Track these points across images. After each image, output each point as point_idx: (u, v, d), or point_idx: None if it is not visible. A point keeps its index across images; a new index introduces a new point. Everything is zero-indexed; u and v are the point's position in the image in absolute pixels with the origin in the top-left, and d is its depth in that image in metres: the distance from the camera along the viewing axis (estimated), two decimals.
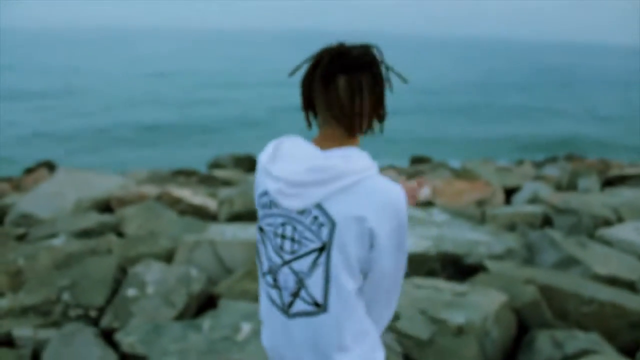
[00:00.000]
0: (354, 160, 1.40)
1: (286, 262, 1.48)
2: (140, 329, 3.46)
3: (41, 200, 5.64)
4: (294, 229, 1.45)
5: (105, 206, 5.91)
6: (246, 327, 3.44)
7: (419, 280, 4.03)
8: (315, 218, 1.41)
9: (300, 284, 1.47)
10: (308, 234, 1.43)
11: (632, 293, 4.14)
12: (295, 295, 1.48)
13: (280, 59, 59.50)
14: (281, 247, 1.49)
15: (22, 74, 39.01)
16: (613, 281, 4.27)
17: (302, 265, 1.46)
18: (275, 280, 1.52)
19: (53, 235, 4.79)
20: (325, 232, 1.41)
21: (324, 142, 1.46)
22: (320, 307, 1.46)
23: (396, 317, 3.60)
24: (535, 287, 3.94)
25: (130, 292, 3.85)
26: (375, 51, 1.43)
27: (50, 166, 8.80)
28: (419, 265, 4.43)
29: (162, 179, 7.37)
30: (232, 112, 27.32)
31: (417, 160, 11.26)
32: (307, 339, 1.50)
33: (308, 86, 1.44)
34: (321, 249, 1.43)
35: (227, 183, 7.86)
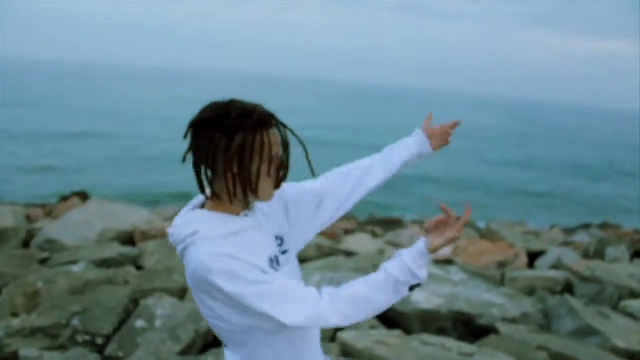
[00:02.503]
0: (180, 227, 1.39)
1: None
2: None
3: (69, 227, 5.82)
4: None
5: (128, 239, 6.05)
6: None
7: (427, 338, 3.96)
8: None
9: None
10: None
11: None
12: None
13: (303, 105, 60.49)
14: None
15: (42, 112, 38.78)
16: (633, 356, 4.10)
17: None
18: None
19: (74, 262, 4.91)
20: None
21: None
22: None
23: None
24: (547, 355, 3.82)
25: (139, 323, 3.90)
26: (235, 113, 1.34)
27: (83, 196, 9.10)
28: (429, 323, 4.36)
29: None
30: None
31: None
32: None
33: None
34: None
35: None
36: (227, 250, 1.32)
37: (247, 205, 1.46)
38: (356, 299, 1.39)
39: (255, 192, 1.39)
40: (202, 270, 1.31)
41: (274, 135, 1.39)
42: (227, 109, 1.35)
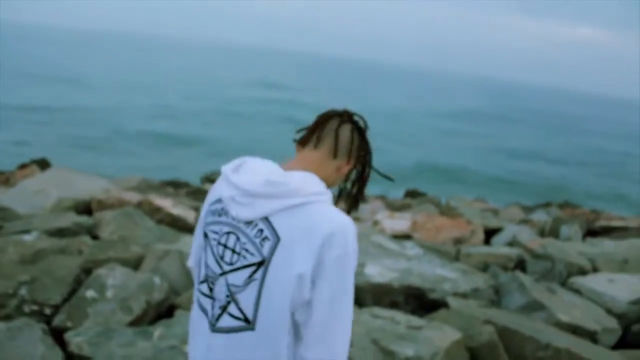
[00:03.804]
0: (309, 183, 1.44)
1: (223, 273, 1.48)
2: (91, 330, 3.47)
3: (23, 196, 5.70)
4: (237, 239, 1.46)
5: (85, 208, 5.95)
6: None
7: (377, 311, 4.02)
8: (261, 231, 1.43)
9: (231, 297, 1.46)
10: (250, 247, 1.44)
11: (593, 343, 4.11)
12: (224, 309, 1.48)
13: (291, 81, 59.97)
14: (222, 257, 1.49)
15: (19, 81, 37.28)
16: (575, 330, 4.25)
17: (238, 278, 1.45)
18: (211, 290, 1.52)
19: (26, 231, 4.82)
20: (267, 247, 1.42)
21: (294, 164, 1.55)
22: (248, 324, 1.44)
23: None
24: (493, 328, 3.92)
25: (89, 293, 3.87)
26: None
27: (43, 164, 8.88)
28: (381, 296, 4.42)
29: (150, 188, 7.42)
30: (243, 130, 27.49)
31: (410, 194, 11.29)
32: (223, 358, 1.48)
33: (323, 123, 1.62)
34: (260, 264, 1.43)
35: None
36: None
37: None
38: None
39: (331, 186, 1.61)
40: (346, 229, 1.43)
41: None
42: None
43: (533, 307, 4.50)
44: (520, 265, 5.47)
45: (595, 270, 5.48)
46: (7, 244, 4.48)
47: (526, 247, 5.77)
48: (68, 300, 3.83)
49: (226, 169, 1.53)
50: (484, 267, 5.34)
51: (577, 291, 4.90)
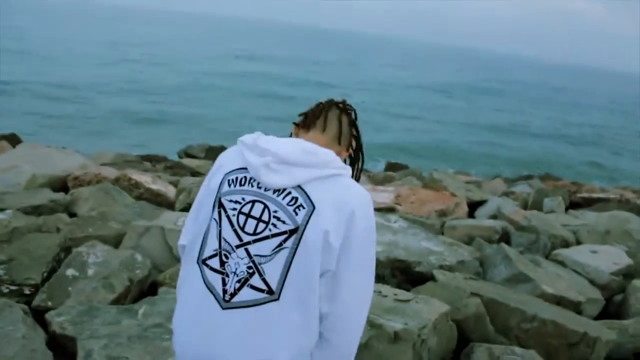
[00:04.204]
0: (333, 155, 1.50)
1: (244, 244, 1.42)
2: (74, 309, 3.38)
3: None
4: (265, 208, 1.42)
5: (61, 185, 5.77)
6: None
7: None
8: (295, 199, 1.41)
9: (255, 268, 1.40)
10: (281, 215, 1.40)
11: (577, 314, 4.15)
12: (244, 281, 1.41)
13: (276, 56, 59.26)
14: (242, 227, 1.43)
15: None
16: (560, 301, 4.28)
17: (263, 248, 1.40)
18: (222, 264, 1.44)
19: (0, 210, 4.65)
20: (302, 214, 1.40)
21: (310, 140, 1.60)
22: (272, 295, 1.39)
23: None
24: (479, 301, 3.92)
25: (70, 272, 3.76)
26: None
27: (14, 140, 8.60)
28: None
29: (126, 163, 7.26)
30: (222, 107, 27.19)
31: (392, 167, 11.27)
32: (240, 334, 1.40)
33: (327, 110, 1.68)
34: (292, 232, 1.40)
35: (195, 173, 7.77)
36: None
37: None
38: None
39: None
40: (370, 203, 1.50)
41: None
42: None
43: (518, 279, 4.51)
44: (505, 237, 5.48)
45: (578, 242, 5.53)
46: None
47: (510, 219, 5.78)
48: (48, 280, 3.71)
49: (249, 138, 1.52)
50: (469, 240, 5.33)
51: (561, 263, 4.94)
